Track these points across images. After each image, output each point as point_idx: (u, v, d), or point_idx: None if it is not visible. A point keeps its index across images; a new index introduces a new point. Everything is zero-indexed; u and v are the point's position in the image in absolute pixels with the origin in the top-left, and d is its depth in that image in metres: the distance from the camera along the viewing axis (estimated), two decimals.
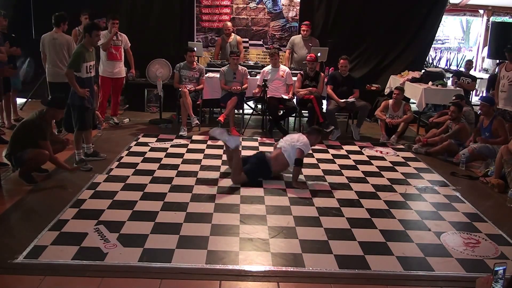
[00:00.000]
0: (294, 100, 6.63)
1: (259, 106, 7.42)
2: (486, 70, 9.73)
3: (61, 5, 6.56)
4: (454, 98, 5.93)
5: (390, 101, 6.52)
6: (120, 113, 7.08)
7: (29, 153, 4.19)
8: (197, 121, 6.26)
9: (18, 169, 4.35)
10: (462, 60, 9.46)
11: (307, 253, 3.21)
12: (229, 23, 7.51)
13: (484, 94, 8.48)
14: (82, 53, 4.66)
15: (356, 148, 5.98)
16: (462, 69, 8.47)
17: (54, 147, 4.52)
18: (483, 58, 10.24)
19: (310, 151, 5.63)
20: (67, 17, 5.97)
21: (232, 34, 7.51)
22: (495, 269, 2.25)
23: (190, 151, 5.54)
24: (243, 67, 6.71)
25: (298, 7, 7.84)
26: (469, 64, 8.08)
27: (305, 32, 7.21)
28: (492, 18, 10.09)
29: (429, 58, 9.20)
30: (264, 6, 7.88)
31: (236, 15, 7.92)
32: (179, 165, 4.99)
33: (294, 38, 7.40)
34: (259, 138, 6.28)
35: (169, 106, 7.07)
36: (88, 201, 3.96)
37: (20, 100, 7.22)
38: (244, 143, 5.91)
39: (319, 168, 5.09)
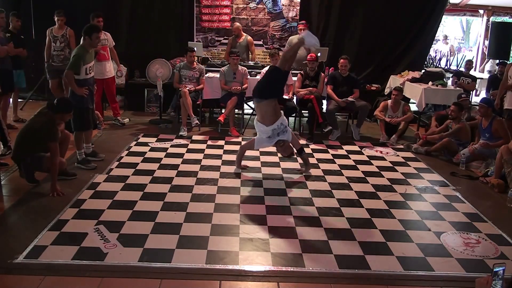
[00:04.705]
0: (294, 100, 6.63)
1: None
2: (489, 72, 9.70)
3: (61, 6, 6.56)
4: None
5: (389, 101, 6.52)
6: (120, 113, 7.07)
7: (46, 163, 4.09)
8: (197, 121, 6.26)
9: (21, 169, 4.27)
10: (462, 60, 9.43)
11: (307, 253, 3.21)
12: (237, 24, 7.47)
13: (484, 95, 8.47)
14: (83, 55, 4.62)
15: (356, 148, 5.98)
16: (462, 69, 8.45)
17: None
18: (482, 65, 10.22)
19: (310, 151, 5.65)
20: None
21: (244, 34, 7.49)
22: (495, 270, 2.24)
23: (190, 151, 5.54)
24: (243, 67, 6.71)
25: (298, 7, 7.83)
26: (469, 64, 8.07)
27: (302, 31, 7.19)
28: (492, 18, 10.08)
29: (429, 58, 9.18)
30: (264, 6, 7.88)
31: (236, 15, 7.92)
32: (179, 165, 4.99)
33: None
34: None
35: (169, 106, 7.08)
36: (88, 201, 3.96)
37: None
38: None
39: (319, 168, 5.09)
